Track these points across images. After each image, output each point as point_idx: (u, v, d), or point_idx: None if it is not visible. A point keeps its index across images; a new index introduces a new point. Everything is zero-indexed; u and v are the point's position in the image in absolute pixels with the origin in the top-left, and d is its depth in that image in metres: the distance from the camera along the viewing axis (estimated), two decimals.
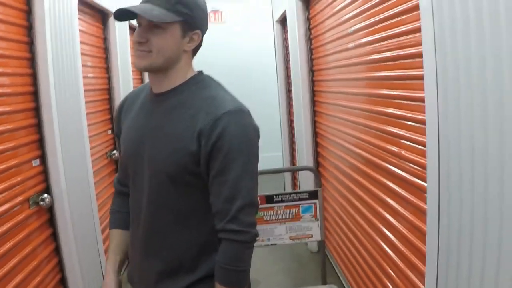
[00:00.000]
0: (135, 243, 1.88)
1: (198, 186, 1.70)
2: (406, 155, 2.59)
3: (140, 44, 1.65)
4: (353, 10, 3.36)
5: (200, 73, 1.81)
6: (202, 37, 1.77)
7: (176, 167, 1.66)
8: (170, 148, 1.67)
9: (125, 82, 4.76)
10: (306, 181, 5.15)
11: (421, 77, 2.14)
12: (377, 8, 2.92)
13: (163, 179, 1.69)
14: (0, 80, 2.64)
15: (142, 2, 1.67)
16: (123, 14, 1.67)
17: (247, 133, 1.66)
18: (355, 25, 3.34)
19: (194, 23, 1.70)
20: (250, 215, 1.68)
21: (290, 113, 6.67)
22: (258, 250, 3.34)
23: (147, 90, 1.85)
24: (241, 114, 1.66)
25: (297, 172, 5.89)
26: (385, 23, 2.79)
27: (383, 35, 2.82)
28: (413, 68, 2.42)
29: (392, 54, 2.71)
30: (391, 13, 2.68)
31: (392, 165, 2.84)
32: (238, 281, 1.70)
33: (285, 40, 6.67)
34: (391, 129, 2.80)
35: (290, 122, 6.67)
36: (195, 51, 1.79)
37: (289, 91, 6.65)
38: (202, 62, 1.96)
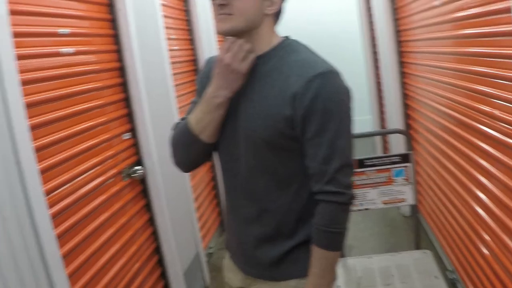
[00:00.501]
0: (233, 211, 1.88)
1: (295, 150, 1.68)
2: (500, 115, 2.47)
3: (221, 7, 1.61)
4: None
5: (286, 38, 1.77)
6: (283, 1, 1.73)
7: (273, 132, 1.65)
8: (265, 113, 1.65)
9: (210, 52, 4.78)
10: (397, 145, 5.04)
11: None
12: None
13: (261, 145, 1.68)
14: (87, 58, 2.71)
15: None
16: None
17: (340, 94, 1.63)
18: None
19: None
20: (347, 176, 1.66)
21: (377, 76, 6.52)
22: (351, 214, 3.31)
23: None
24: (333, 76, 1.63)
25: (388, 135, 5.78)
26: None
27: None
28: (501, 24, 2.29)
29: (480, 11, 2.56)
30: None
31: (485, 125, 2.71)
32: (335, 243, 1.69)
33: (367, 2, 6.50)
34: (483, 88, 2.66)
35: (378, 84, 6.53)
36: (277, 17, 1.76)
37: (374, 53, 6.50)
38: (284, 30, 1.91)
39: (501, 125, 2.48)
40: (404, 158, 3.36)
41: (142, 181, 3.19)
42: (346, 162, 1.64)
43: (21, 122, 1.89)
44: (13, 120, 1.83)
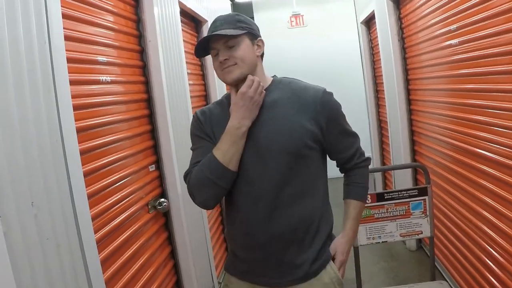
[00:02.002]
0: (257, 230, 2.00)
1: (314, 158, 2.02)
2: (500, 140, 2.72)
3: (225, 62, 1.94)
4: (454, 8, 3.33)
5: (275, 76, 2.14)
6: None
7: (296, 143, 1.95)
8: (287, 130, 1.95)
9: (220, 88, 4.80)
10: (403, 180, 5.09)
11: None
12: (476, 8, 2.97)
13: (285, 157, 1.94)
14: (117, 88, 2.71)
15: (211, 33, 1.94)
16: (200, 50, 2.02)
17: (337, 102, 2.07)
18: (458, 22, 3.30)
19: (255, 33, 2.03)
20: (361, 147, 2.20)
21: (379, 114, 6.59)
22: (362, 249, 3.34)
23: (226, 103, 2.09)
24: (327, 92, 2.05)
25: (391, 171, 5.81)
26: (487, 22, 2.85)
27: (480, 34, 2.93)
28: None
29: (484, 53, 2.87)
30: (491, 13, 2.77)
31: (488, 151, 2.97)
32: (366, 195, 2.23)
33: (371, 41, 6.61)
34: (487, 119, 2.97)
35: (380, 122, 6.59)
36: (262, 58, 2.10)
37: (377, 91, 6.57)
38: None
39: (500, 148, 2.78)
40: (421, 191, 3.41)
41: (165, 213, 3.16)
42: (359, 138, 2.18)
43: (74, 147, 1.88)
44: (67, 145, 1.82)
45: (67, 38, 2.09)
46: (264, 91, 1.99)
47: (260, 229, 1.98)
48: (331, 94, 2.03)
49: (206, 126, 2.08)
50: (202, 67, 4.75)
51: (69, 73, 1.96)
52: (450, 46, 3.50)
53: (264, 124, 1.97)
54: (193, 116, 2.14)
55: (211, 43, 1.96)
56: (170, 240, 3.24)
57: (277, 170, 1.95)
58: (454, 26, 3.36)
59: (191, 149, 2.12)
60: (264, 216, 1.97)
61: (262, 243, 1.99)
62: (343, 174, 2.21)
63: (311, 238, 2.03)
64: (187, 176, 2.04)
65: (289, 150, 1.94)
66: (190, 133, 2.14)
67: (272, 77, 2.12)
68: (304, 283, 2.02)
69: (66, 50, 1.99)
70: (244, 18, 2.02)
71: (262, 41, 2.07)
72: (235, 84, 1.98)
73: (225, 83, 2.02)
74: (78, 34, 2.29)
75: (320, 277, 2.04)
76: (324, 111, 1.97)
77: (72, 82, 2.03)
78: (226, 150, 1.92)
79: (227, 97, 2.10)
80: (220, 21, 1.98)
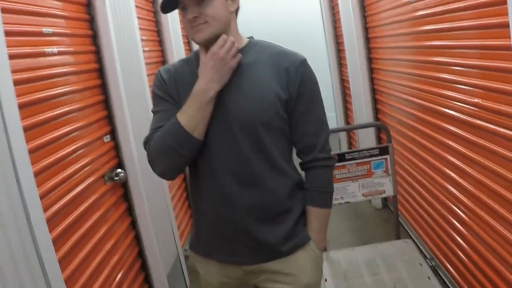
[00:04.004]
0: (224, 205, 1.87)
1: (285, 130, 1.87)
2: (482, 103, 2.56)
3: (195, 19, 1.74)
4: None
5: (252, 37, 1.95)
6: None
7: (269, 113, 1.80)
8: (261, 98, 1.79)
9: (178, 53, 4.74)
10: (366, 139, 5.12)
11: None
12: None
13: (258, 128, 1.80)
14: (65, 59, 2.63)
15: None
16: (167, 6, 1.79)
17: (315, 78, 1.90)
18: None
19: None
20: (329, 144, 1.97)
21: (341, 73, 6.60)
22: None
23: (194, 61, 1.90)
24: (307, 63, 1.88)
25: (355, 131, 5.85)
26: None
27: None
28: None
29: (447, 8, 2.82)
30: None
31: (450, 109, 2.98)
32: (330, 201, 1.98)
33: (331, 0, 6.58)
34: (446, 76, 2.98)
35: (343, 81, 6.60)
36: (237, 13, 1.90)
37: (339, 50, 6.57)
38: (247, 28, 2.11)
39: (464, 107, 2.76)
40: (382, 150, 3.44)
41: (123, 184, 3.13)
42: (328, 132, 1.96)
43: (16, 123, 1.82)
44: (8, 121, 1.76)
45: (5, 10, 2.02)
46: (240, 54, 1.81)
47: (229, 205, 1.86)
48: (308, 64, 1.86)
49: (170, 87, 1.88)
50: (159, 32, 4.67)
51: (9, 47, 1.88)
52: (410, 2, 3.47)
53: (235, 90, 1.80)
54: (156, 74, 1.95)
55: None
56: (130, 210, 3.22)
57: (247, 141, 1.80)
58: None
59: (152, 111, 1.95)
60: (233, 190, 1.84)
61: (231, 219, 1.87)
62: (304, 172, 1.98)
63: (283, 215, 1.90)
64: (147, 143, 1.87)
65: (261, 120, 1.79)
66: (151, 93, 1.98)
67: (249, 38, 1.93)
68: (276, 260, 1.91)
69: (5, 23, 1.92)
70: None
71: None
72: (206, 45, 1.79)
73: (194, 42, 1.82)
74: (18, 5, 2.20)
75: (297, 257, 1.92)
76: (297, 80, 1.81)
77: (13, 56, 1.97)
78: (191, 116, 1.75)
79: (196, 54, 1.91)
80: None
